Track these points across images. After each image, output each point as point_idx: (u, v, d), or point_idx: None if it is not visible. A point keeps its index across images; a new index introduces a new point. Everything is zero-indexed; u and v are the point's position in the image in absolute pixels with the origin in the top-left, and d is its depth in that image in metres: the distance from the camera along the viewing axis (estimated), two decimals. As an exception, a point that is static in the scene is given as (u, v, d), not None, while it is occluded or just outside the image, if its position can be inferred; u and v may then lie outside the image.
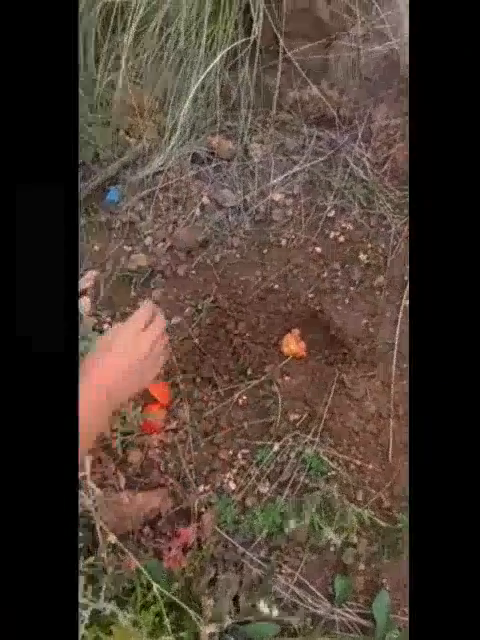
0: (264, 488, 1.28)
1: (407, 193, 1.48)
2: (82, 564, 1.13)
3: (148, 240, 1.65)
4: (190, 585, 1.19)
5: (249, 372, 1.40)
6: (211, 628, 1.11)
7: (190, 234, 1.58)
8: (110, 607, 1.10)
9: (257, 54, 1.59)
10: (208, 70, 1.58)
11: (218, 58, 1.57)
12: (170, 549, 1.20)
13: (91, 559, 1.15)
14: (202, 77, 1.58)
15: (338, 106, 1.62)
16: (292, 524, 1.14)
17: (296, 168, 1.58)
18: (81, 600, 1.12)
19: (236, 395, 1.38)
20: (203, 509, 1.29)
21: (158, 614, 1.09)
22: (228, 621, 1.16)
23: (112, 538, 1.18)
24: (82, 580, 1.14)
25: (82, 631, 1.06)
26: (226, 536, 1.24)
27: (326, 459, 1.26)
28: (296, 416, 1.32)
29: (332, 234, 1.49)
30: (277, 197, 1.57)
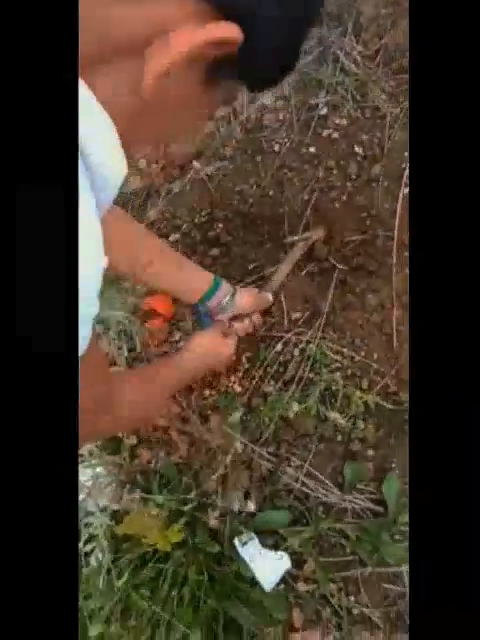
0: (269, 387, 1.28)
1: (403, 81, 1.41)
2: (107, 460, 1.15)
3: (142, 163, 1.63)
4: (198, 478, 1.20)
5: (248, 280, 1.38)
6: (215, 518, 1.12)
7: (182, 148, 1.55)
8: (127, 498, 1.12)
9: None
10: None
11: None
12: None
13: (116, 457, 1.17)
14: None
15: (325, 3, 1.54)
16: (295, 407, 1.13)
17: (285, 70, 1.51)
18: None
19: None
20: (209, 412, 1.30)
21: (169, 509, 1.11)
22: (239, 510, 1.18)
23: (131, 440, 1.21)
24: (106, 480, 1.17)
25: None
26: (233, 433, 1.25)
27: (330, 353, 1.24)
28: (298, 314, 1.30)
29: (326, 132, 1.44)
30: (267, 101, 1.51)
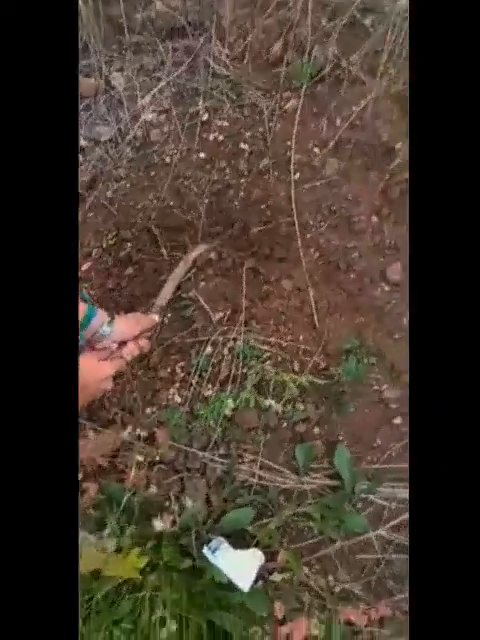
0: (208, 391, 1.28)
1: (274, 75, 1.47)
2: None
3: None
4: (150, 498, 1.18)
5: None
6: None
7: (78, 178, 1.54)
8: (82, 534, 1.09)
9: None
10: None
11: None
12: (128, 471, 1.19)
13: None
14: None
15: (185, 14, 1.59)
16: (231, 403, 1.14)
17: (161, 83, 1.54)
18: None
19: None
20: (155, 429, 1.28)
21: (121, 528, 1.09)
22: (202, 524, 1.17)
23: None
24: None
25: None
26: (182, 446, 1.24)
27: (257, 344, 1.26)
28: (220, 314, 1.32)
29: (211, 136, 1.47)
30: (150, 117, 1.54)
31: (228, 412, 1.17)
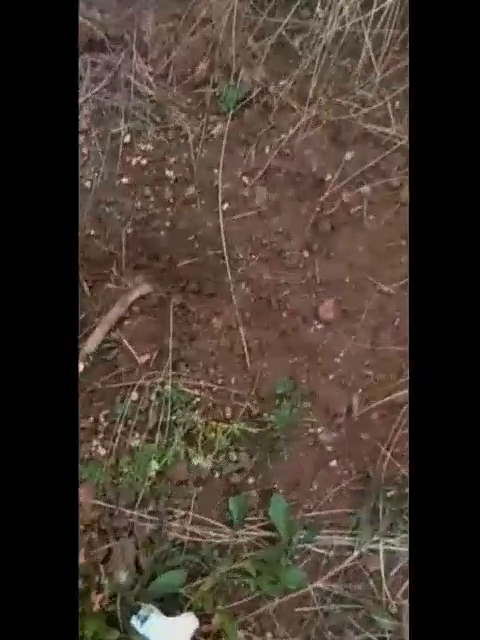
0: (135, 441, 1.18)
1: (199, 96, 1.38)
2: None
3: None
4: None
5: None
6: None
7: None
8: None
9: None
10: None
11: None
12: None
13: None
14: None
15: (104, 27, 1.47)
16: (154, 465, 1.05)
17: (80, 100, 1.42)
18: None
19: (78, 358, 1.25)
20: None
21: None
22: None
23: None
24: None
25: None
26: (106, 504, 1.14)
27: (186, 388, 1.18)
28: (146, 357, 1.22)
29: (134, 160, 1.37)
30: (66, 138, 1.41)
31: (155, 470, 1.08)
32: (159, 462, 1.07)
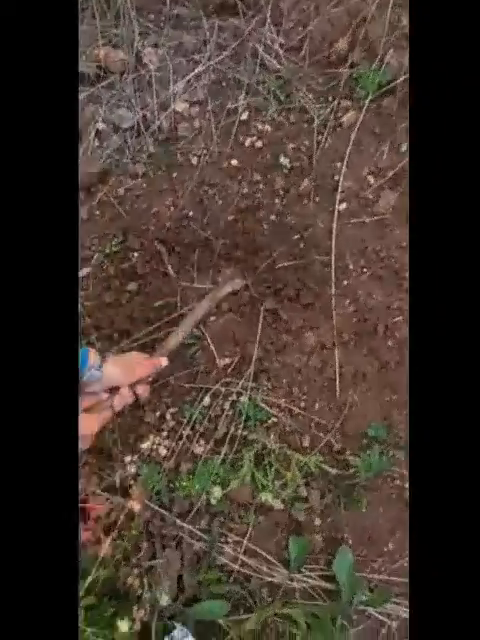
0: (199, 448, 1.09)
1: (332, 76, 1.21)
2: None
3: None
4: (119, 569, 1.01)
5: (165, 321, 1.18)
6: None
7: (87, 167, 1.33)
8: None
9: None
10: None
11: None
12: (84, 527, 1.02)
13: None
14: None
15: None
16: (217, 492, 0.95)
17: (199, 68, 1.31)
18: None
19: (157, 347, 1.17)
20: (131, 482, 1.10)
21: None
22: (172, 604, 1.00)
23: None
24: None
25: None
26: (160, 509, 1.06)
27: (264, 405, 1.06)
28: (226, 360, 1.11)
29: (248, 141, 1.24)
30: (180, 107, 1.30)
31: (216, 496, 0.97)
32: (222, 487, 0.96)
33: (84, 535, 1.01)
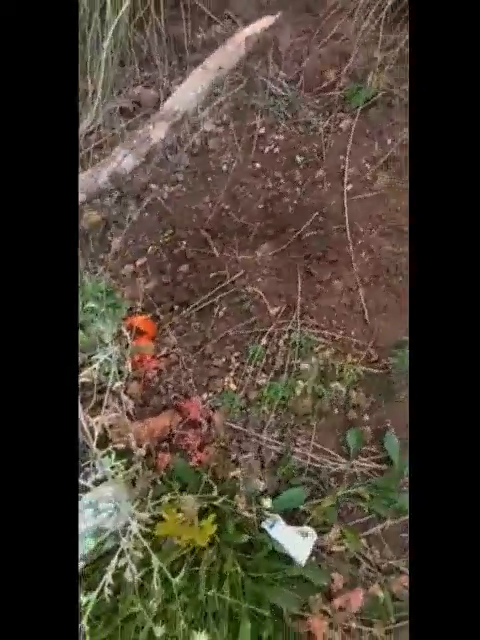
0: (262, 380, 1.37)
1: (326, 98, 1.61)
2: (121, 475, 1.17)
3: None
4: (216, 474, 1.25)
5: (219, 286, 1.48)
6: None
7: (136, 178, 1.64)
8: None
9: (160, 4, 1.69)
10: (114, 27, 1.65)
11: (120, 13, 1.64)
12: (190, 447, 1.26)
13: (129, 470, 1.18)
14: (110, 34, 1.64)
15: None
16: (298, 390, 1.23)
17: (220, 98, 1.68)
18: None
19: (216, 309, 1.46)
20: (211, 412, 1.36)
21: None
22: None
23: (142, 451, 1.23)
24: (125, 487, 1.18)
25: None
26: (238, 426, 1.31)
27: (313, 336, 1.36)
28: (275, 309, 1.42)
29: (267, 148, 1.60)
30: (208, 127, 1.66)
31: (293, 396, 1.26)
32: (293, 388, 1.24)
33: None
